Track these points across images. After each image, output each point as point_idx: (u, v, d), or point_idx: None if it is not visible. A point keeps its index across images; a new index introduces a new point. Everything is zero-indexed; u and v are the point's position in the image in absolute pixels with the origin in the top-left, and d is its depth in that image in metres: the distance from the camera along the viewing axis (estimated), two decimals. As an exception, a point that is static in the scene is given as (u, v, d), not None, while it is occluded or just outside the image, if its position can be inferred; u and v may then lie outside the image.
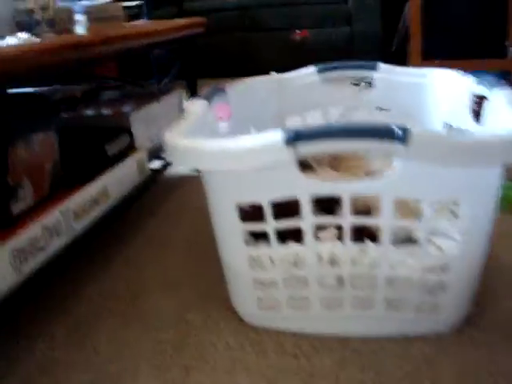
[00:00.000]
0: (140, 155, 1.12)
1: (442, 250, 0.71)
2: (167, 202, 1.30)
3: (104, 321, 0.83)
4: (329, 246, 0.70)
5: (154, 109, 1.25)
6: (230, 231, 0.71)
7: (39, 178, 0.85)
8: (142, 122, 1.18)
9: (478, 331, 0.74)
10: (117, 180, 1.02)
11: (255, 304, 0.75)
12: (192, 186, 1.40)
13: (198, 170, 0.69)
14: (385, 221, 0.65)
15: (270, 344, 0.75)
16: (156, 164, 1.24)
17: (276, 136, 0.61)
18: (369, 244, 0.70)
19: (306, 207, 0.66)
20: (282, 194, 0.66)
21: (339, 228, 0.70)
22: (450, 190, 0.64)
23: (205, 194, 0.72)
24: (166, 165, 1.27)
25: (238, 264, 0.73)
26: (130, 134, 1.13)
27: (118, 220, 1.19)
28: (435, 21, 2.30)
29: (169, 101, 1.34)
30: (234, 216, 0.69)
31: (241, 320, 0.80)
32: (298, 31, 2.64)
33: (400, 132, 0.58)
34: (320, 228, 0.71)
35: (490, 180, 0.63)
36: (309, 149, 0.60)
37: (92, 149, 1.03)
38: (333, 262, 0.70)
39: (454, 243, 0.68)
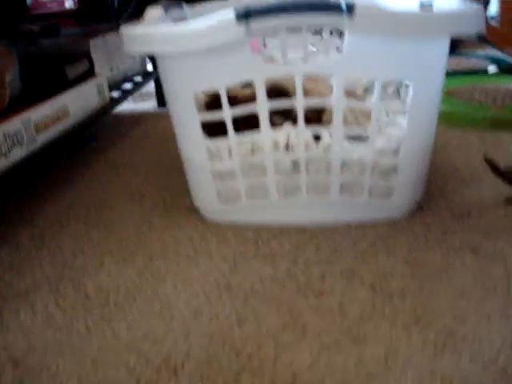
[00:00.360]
0: (100, 80, 1.12)
1: (390, 136, 0.74)
2: (130, 134, 1.31)
3: (68, 227, 0.84)
4: (284, 132, 0.73)
5: (114, 39, 1.25)
6: (187, 122, 0.73)
7: (-3, 87, 0.85)
8: (102, 49, 1.18)
9: (430, 216, 0.78)
10: (77, 100, 1.02)
11: (215, 197, 0.77)
12: (155, 120, 1.41)
13: (153, 55, 0.70)
14: (336, 101, 0.68)
15: (230, 234, 0.77)
16: (116, 94, 1.24)
17: (227, 14, 0.62)
18: (322, 130, 0.72)
19: (261, 91, 0.68)
20: (238, 77, 0.68)
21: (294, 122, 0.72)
22: (397, 66, 0.66)
23: (163, 84, 0.73)
24: (126, 95, 1.27)
25: (197, 156, 0.75)
26: (90, 60, 1.13)
27: (80, 144, 1.20)
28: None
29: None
30: (192, 105, 0.71)
31: (203, 220, 0.82)
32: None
33: (346, 5, 0.60)
34: (275, 125, 0.74)
35: (436, 56, 0.66)
36: (261, 24, 0.62)
37: (51, 70, 1.03)
38: (288, 148, 0.73)
39: (402, 126, 0.71)
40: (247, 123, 0.73)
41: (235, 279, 0.67)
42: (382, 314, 0.58)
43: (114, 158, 1.14)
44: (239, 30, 0.62)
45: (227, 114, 0.70)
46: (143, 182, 1.00)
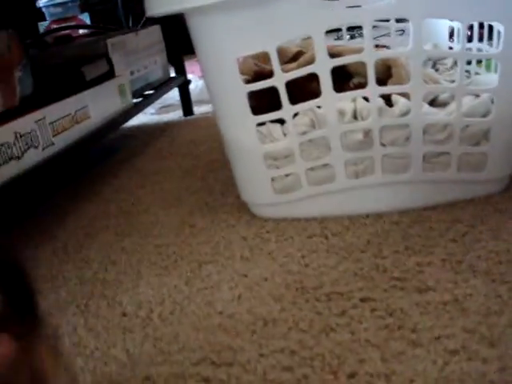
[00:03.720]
0: (120, 81, 1.01)
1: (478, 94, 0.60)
2: (155, 143, 1.18)
3: (95, 238, 0.72)
4: (350, 98, 0.60)
5: (133, 40, 1.14)
6: (231, 97, 0.60)
7: (7, 83, 0.73)
8: (121, 49, 1.07)
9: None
10: (97, 102, 0.91)
11: (269, 187, 0.64)
12: (180, 128, 1.29)
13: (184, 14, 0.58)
14: (415, 49, 0.54)
15: (291, 229, 0.64)
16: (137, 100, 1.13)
17: None
18: (396, 91, 0.59)
19: (322, 46, 0.55)
20: (292, 34, 0.56)
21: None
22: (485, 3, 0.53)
23: (198, 52, 0.61)
24: (149, 101, 1.16)
25: (245, 139, 0.62)
26: (109, 61, 1.02)
27: (103, 155, 1.08)
28: None
29: (148, 34, 1.23)
30: (235, 74, 0.58)
31: (255, 216, 0.69)
32: None
33: None
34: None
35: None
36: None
37: (68, 71, 0.91)
38: (357, 116, 0.60)
39: (491, 81, 0.58)
40: (302, 94, 0.60)
41: (309, 280, 0.53)
42: (513, 308, 0.44)
43: (142, 167, 1.01)
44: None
45: (280, 79, 0.57)
46: (177, 186, 0.87)
